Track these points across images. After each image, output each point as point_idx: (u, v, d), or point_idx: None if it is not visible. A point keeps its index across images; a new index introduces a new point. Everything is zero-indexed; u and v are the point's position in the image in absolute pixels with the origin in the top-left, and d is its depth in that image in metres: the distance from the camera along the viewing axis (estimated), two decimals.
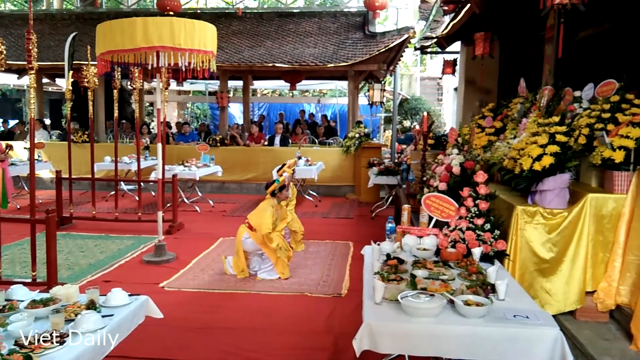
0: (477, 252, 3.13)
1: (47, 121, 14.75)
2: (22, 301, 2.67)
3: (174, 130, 13.56)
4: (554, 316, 2.71)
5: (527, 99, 5.18)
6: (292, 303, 4.56)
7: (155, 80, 5.81)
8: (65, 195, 7.68)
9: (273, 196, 5.33)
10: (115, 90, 7.20)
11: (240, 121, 16.53)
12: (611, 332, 3.37)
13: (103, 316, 2.48)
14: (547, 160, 3.39)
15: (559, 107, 4.23)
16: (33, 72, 4.49)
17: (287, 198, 5.66)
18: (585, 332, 3.36)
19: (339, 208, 9.38)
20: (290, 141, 11.59)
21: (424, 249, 3.30)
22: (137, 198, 7.82)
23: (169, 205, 8.20)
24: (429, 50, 11.35)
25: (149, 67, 5.48)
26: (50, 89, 17.61)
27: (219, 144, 11.03)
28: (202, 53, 5.20)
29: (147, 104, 17.96)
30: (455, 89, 13.52)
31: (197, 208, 8.86)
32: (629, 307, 3.34)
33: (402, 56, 11.82)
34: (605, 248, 3.49)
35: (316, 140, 12.43)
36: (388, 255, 3.10)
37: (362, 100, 14.90)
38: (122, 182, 9.33)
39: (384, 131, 18.07)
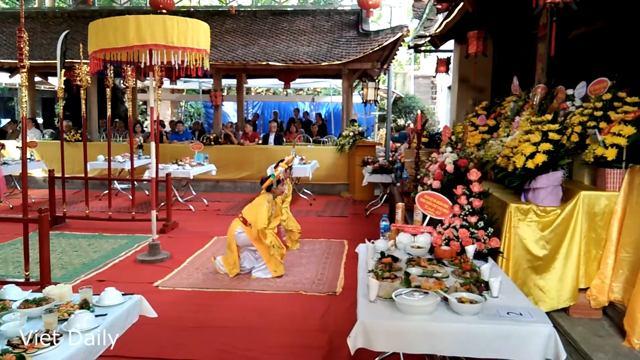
0: (470, 249, 3.15)
1: (40, 120, 14.65)
2: (15, 301, 2.65)
3: (168, 128, 13.53)
4: (547, 313, 2.72)
5: (520, 97, 5.20)
6: (286, 301, 4.56)
7: (148, 78, 5.78)
8: (58, 194, 7.64)
9: (268, 191, 5.32)
10: (108, 89, 7.16)
11: (235, 120, 16.48)
12: (604, 329, 3.39)
13: (96, 316, 2.47)
14: (540, 158, 3.41)
15: (551, 105, 4.25)
16: (25, 70, 4.46)
17: (283, 193, 5.64)
18: (579, 329, 3.38)
19: (334, 206, 9.39)
20: (284, 140, 11.58)
21: (418, 247, 3.30)
22: (130, 197, 7.79)
23: (162, 204, 8.17)
24: (422, 48, 11.37)
25: (142, 66, 5.45)
26: (42, 88, 17.50)
27: (213, 143, 11.01)
28: (195, 51, 5.18)
29: (141, 102, 17.88)
30: (449, 88, 13.55)
31: (191, 207, 8.84)
32: (621, 303, 3.36)
33: (396, 54, 11.84)
34: (598, 245, 3.51)
35: (310, 139, 12.42)
36: (382, 253, 3.11)
37: (357, 98, 14.91)
38: (115, 181, 9.31)
39: (378, 129, 18.10)
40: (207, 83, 16.14)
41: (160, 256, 5.77)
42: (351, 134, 10.49)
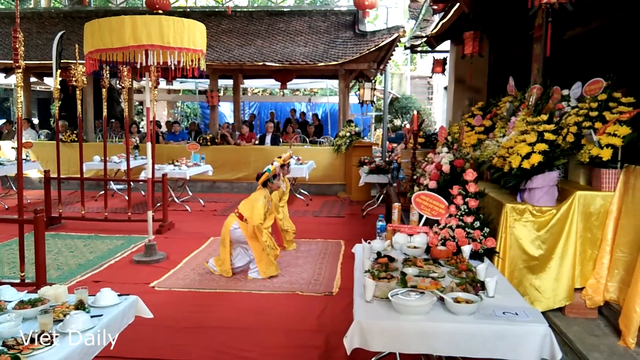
0: (466, 249, 3.15)
1: (36, 120, 14.62)
2: (10, 302, 2.65)
3: (164, 129, 13.48)
4: (543, 313, 2.73)
5: (516, 98, 5.21)
6: (283, 302, 4.56)
7: (144, 79, 5.77)
8: (54, 195, 7.62)
9: (265, 186, 5.31)
10: (104, 89, 7.15)
11: (231, 120, 16.45)
12: (600, 328, 3.40)
13: (92, 316, 2.46)
14: (536, 159, 3.42)
15: (547, 106, 4.26)
16: (20, 71, 4.44)
17: (279, 188, 5.63)
18: (574, 329, 3.39)
19: (330, 207, 9.39)
20: (281, 140, 11.58)
21: (415, 247, 3.31)
22: (126, 198, 7.77)
23: (159, 204, 8.16)
24: (419, 49, 11.38)
25: (138, 66, 5.44)
26: (38, 88, 17.43)
27: (209, 143, 10.99)
28: (192, 52, 5.18)
29: (137, 102, 17.84)
30: (445, 88, 13.57)
31: (188, 207, 8.83)
32: (617, 303, 3.38)
33: (392, 55, 11.85)
34: (593, 245, 3.53)
35: (307, 139, 12.42)
36: (379, 254, 3.11)
37: (353, 99, 14.91)
38: (111, 182, 9.29)
39: (375, 130, 18.11)
40: (204, 83, 16.12)
41: (157, 257, 5.76)
42: (348, 134, 10.50)
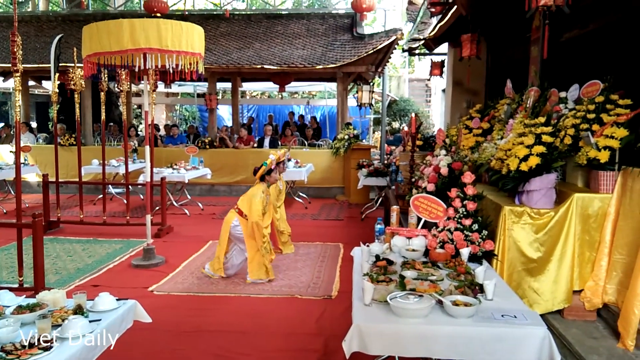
0: (465, 252, 3.15)
1: (34, 124, 14.62)
2: (9, 307, 2.64)
3: (163, 132, 13.50)
4: (541, 315, 2.74)
5: (514, 100, 5.22)
6: (282, 305, 4.56)
7: (142, 82, 5.77)
8: (52, 199, 7.61)
9: (262, 180, 5.30)
10: (102, 93, 7.15)
11: (229, 123, 16.45)
12: (598, 331, 3.41)
13: (90, 321, 2.46)
14: (534, 161, 3.42)
15: (545, 108, 4.27)
16: (18, 74, 4.44)
17: (277, 181, 5.62)
18: (573, 331, 3.39)
19: (329, 209, 9.39)
20: (279, 143, 11.57)
21: (413, 250, 3.31)
22: (125, 201, 7.77)
23: (157, 208, 8.15)
24: (416, 51, 11.40)
25: (136, 69, 5.45)
26: (36, 92, 17.42)
27: (208, 146, 10.98)
28: (190, 55, 5.18)
29: (135, 106, 17.84)
30: (443, 90, 13.60)
31: (186, 211, 8.82)
32: (615, 305, 3.38)
33: (390, 58, 11.86)
34: (591, 247, 3.53)
35: (305, 142, 12.43)
36: (377, 257, 3.11)
37: (351, 101, 14.92)
38: (110, 186, 9.28)
39: (373, 132, 18.11)
40: (202, 87, 16.12)
41: (155, 261, 5.75)
42: (346, 137, 10.50)
